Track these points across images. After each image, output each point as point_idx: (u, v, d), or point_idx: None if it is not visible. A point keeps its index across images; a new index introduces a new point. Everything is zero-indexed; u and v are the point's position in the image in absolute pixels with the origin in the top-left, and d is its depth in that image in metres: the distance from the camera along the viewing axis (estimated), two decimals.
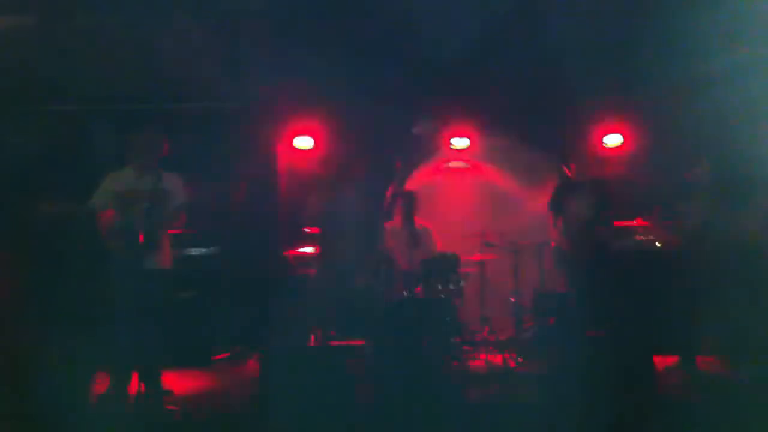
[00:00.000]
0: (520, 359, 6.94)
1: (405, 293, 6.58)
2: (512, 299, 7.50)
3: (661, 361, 6.35)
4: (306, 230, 7.36)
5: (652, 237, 7.09)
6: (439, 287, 6.67)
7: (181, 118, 7.62)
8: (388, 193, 8.05)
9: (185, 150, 6.37)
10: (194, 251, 7.18)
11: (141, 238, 5.32)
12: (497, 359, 7.05)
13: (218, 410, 5.41)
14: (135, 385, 5.33)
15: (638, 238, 7.27)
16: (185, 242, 7.10)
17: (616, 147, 8.34)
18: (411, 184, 8.17)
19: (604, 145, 8.33)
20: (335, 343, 6.89)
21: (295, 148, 8.19)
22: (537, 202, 8.00)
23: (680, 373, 6.45)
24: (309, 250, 7.18)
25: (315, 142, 8.16)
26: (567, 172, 8.32)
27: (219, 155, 7.48)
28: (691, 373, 6.46)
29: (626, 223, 7.26)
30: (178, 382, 6.05)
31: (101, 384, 5.59)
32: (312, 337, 6.88)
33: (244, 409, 5.35)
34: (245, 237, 7.43)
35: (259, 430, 4.83)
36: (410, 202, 7.22)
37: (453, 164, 8.66)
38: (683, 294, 6.49)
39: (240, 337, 7.34)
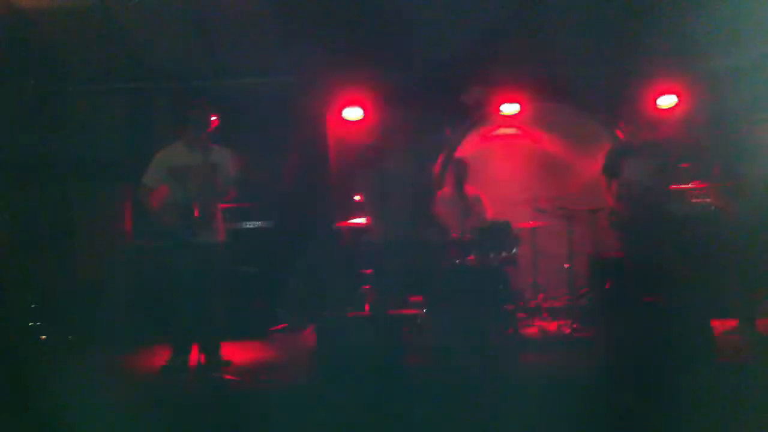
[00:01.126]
0: (575, 326, 6.92)
1: (458, 262, 6.57)
2: (566, 265, 7.44)
3: (719, 325, 6.27)
4: (357, 201, 7.39)
5: (708, 200, 6.95)
6: (492, 255, 6.66)
7: (232, 93, 7.71)
8: (439, 162, 8.06)
9: (236, 124, 6.48)
10: (249, 224, 7.29)
11: (196, 213, 5.44)
12: (552, 326, 7.04)
13: (276, 380, 5.51)
14: (195, 356, 5.50)
15: (695, 200, 7.14)
16: (240, 216, 7.22)
17: (670, 108, 8.14)
18: (462, 152, 8.12)
19: (657, 106, 8.14)
20: (391, 312, 6.94)
21: (345, 120, 8.19)
22: (589, 167, 7.90)
23: (739, 337, 6.36)
24: (361, 220, 7.22)
25: (364, 113, 8.15)
26: (620, 135, 8.20)
27: (270, 129, 7.56)
28: (751, 336, 6.37)
29: (682, 186, 7.11)
30: (237, 353, 6.18)
31: (163, 356, 5.81)
32: (366, 307, 6.95)
33: (301, 379, 5.43)
34: (298, 209, 7.51)
35: (315, 399, 4.90)
36: (461, 170, 7.20)
37: (503, 131, 8.57)
38: (741, 257, 6.39)
39: (296, 308, 7.46)
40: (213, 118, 5.66)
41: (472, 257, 6.65)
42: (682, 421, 4.60)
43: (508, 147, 8.57)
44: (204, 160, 5.47)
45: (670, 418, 4.63)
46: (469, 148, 8.39)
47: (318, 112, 8.10)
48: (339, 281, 6.42)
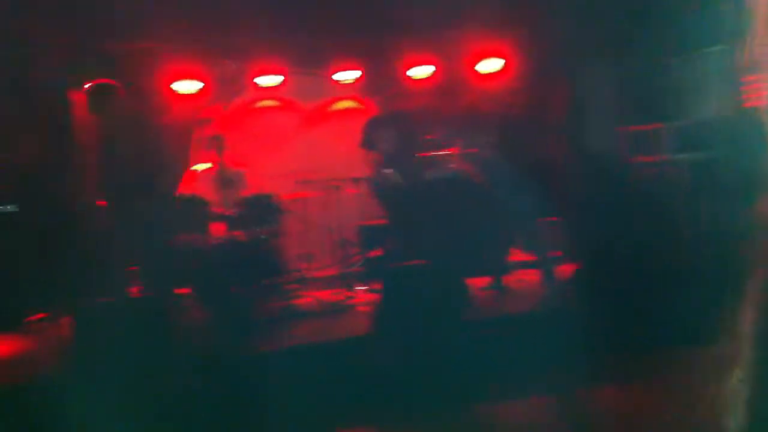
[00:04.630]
0: (347, 293, 7.05)
1: (221, 237, 6.42)
2: (335, 235, 7.55)
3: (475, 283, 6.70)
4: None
5: (459, 165, 7.34)
6: (258, 228, 6.58)
7: None
8: (193, 138, 7.79)
9: None
10: None
11: None
12: (324, 295, 7.12)
13: (31, 373, 5.10)
14: None
15: (448, 167, 7.51)
16: None
17: (422, 78, 8.45)
18: (220, 128, 7.90)
19: (409, 77, 8.41)
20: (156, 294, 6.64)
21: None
22: (351, 137, 8.04)
23: (492, 292, 6.84)
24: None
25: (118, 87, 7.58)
26: (375, 105, 8.44)
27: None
28: (500, 290, 6.86)
29: (435, 153, 7.43)
30: None
31: None
32: (133, 290, 6.59)
33: (57, 370, 5.04)
34: (44, 190, 6.90)
35: (70, 391, 4.57)
36: (219, 145, 6.99)
37: (263, 103, 8.47)
38: (494, 218, 6.84)
39: (55, 296, 6.90)
40: None
41: (238, 232, 6.52)
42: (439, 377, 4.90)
43: (270, 120, 8.48)
44: None
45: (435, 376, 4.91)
46: (227, 122, 8.18)
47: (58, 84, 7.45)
48: (99, 265, 5.99)
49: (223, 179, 6.72)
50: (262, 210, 6.65)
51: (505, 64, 8.13)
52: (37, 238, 6.61)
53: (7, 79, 6.58)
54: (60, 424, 4.42)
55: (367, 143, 7.25)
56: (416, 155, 7.24)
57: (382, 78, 8.27)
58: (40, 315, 6.80)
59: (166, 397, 4.66)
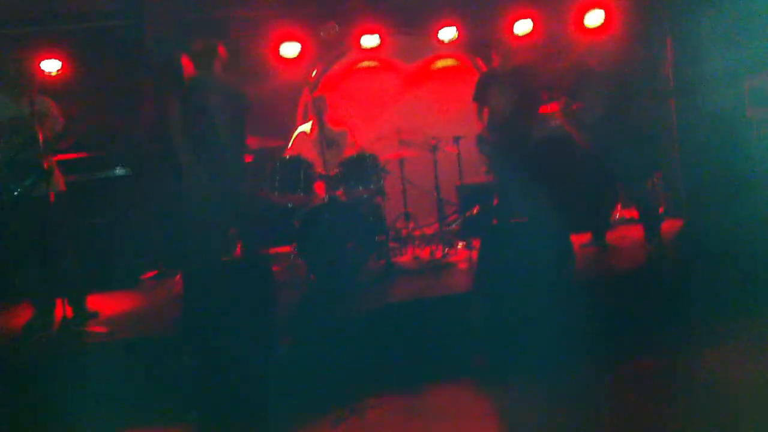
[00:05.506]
0: (446, 251, 7.11)
1: (325, 197, 6.57)
2: (434, 193, 7.60)
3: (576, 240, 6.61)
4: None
5: (566, 123, 7.21)
6: (360, 188, 6.69)
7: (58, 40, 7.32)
8: (301, 99, 7.95)
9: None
10: (101, 174, 7.02)
11: (32, 164, 5.22)
12: (424, 253, 7.21)
13: (145, 330, 5.41)
14: (60, 311, 5.32)
15: (555, 124, 7.39)
16: (90, 166, 6.94)
17: (531, 34, 8.31)
18: (323, 89, 8.05)
19: (518, 33, 8.27)
20: (261, 252, 6.90)
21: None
22: (452, 96, 8.02)
23: (593, 248, 6.74)
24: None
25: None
26: (483, 63, 8.35)
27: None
28: (602, 246, 6.76)
29: (546, 110, 7.32)
30: (106, 304, 6.02)
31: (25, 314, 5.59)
32: (237, 249, 6.88)
33: (168, 327, 5.31)
34: (153, 156, 7.26)
35: (183, 347, 4.84)
36: (322, 106, 7.11)
37: (365, 64, 8.55)
38: (593, 174, 6.72)
39: (166, 254, 7.30)
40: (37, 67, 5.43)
41: (339, 191, 6.65)
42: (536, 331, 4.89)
43: (371, 80, 8.56)
44: (31, 111, 5.21)
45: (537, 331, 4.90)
46: (331, 83, 8.33)
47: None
48: (206, 226, 6.27)
49: (326, 140, 6.83)
50: (363, 170, 6.75)
51: (608, 16, 7.90)
52: (150, 202, 7.01)
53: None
54: (170, 376, 4.70)
55: (479, 99, 7.20)
56: (527, 111, 7.14)
57: (485, 35, 8.15)
58: (153, 272, 7.26)
59: (270, 355, 4.85)
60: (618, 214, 7.88)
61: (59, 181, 5.55)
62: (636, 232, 6.96)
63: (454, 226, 7.82)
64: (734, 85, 7.07)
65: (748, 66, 7.05)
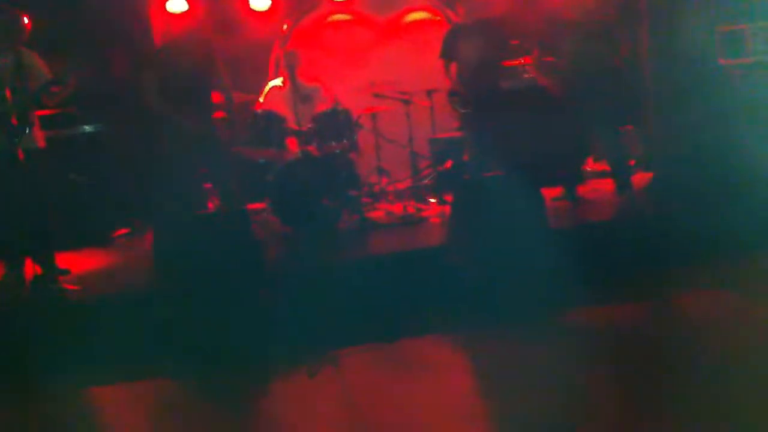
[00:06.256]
0: (420, 206, 7.13)
1: (298, 152, 6.54)
2: (408, 148, 7.58)
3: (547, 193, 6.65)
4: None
5: (536, 75, 7.19)
6: (333, 143, 6.66)
7: None
8: (273, 54, 7.85)
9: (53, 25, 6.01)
10: (75, 130, 6.91)
11: (13, 120, 5.10)
12: (397, 208, 7.22)
13: (118, 286, 5.40)
14: (30, 268, 5.29)
15: (525, 76, 7.37)
16: (65, 122, 6.83)
17: None
18: (294, 43, 7.93)
19: None
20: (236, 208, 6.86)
21: (169, 13, 7.74)
22: (423, 49, 7.94)
23: (565, 203, 6.80)
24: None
25: (189, 5, 7.72)
26: (454, 15, 8.27)
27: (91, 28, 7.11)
28: (573, 200, 6.81)
29: (514, 63, 7.29)
30: (77, 262, 6.00)
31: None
32: (210, 204, 6.84)
33: (141, 284, 5.30)
34: (127, 111, 7.15)
35: (158, 303, 4.83)
36: (293, 60, 7.03)
37: (336, 17, 8.42)
38: (566, 128, 6.73)
39: (139, 211, 7.25)
40: (24, 22, 5.29)
41: (312, 147, 6.62)
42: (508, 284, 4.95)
43: (342, 34, 8.45)
44: (16, 66, 5.10)
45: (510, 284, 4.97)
46: (301, 38, 8.20)
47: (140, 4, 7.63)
48: (178, 180, 6.21)
49: (298, 95, 6.77)
50: (336, 125, 6.71)
51: None
52: (120, 159, 6.93)
53: None
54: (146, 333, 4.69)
55: (447, 53, 7.16)
56: (495, 64, 7.10)
57: None
58: (125, 230, 7.21)
59: (245, 307, 4.84)
60: (589, 168, 7.93)
61: (39, 137, 5.47)
62: (607, 185, 7.03)
63: (427, 180, 7.82)
64: (708, 34, 7.07)
65: (720, 15, 7.05)
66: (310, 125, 6.60)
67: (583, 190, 7.06)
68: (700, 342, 4.15)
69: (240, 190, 6.52)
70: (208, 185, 6.70)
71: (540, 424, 3.38)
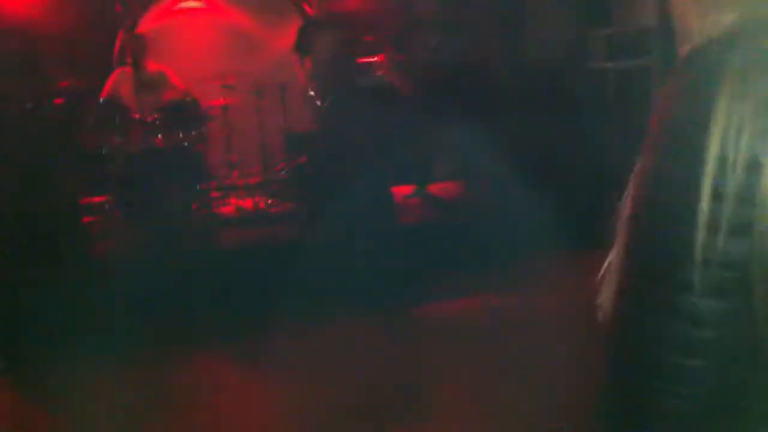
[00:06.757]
0: (270, 201, 7.02)
1: (142, 143, 6.25)
2: (259, 142, 7.45)
3: (399, 191, 6.74)
4: None
5: (390, 73, 7.25)
6: (180, 135, 6.42)
7: None
8: (119, 38, 7.46)
9: None
10: None
11: None
12: (248, 203, 7.07)
13: None
14: None
15: (378, 73, 7.41)
16: None
17: None
18: (141, 28, 7.56)
19: None
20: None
21: None
22: (277, 42, 7.82)
23: (417, 200, 6.91)
24: None
25: None
26: (308, 9, 8.19)
27: None
28: (425, 198, 6.93)
29: (368, 59, 7.31)
30: None
31: None
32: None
33: None
34: None
35: None
36: (140, 45, 6.69)
37: (187, 4, 8.11)
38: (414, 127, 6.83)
39: None
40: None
41: (159, 138, 6.35)
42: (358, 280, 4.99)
43: (194, 22, 8.15)
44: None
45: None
46: (150, 23, 7.83)
47: None
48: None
49: (145, 82, 6.47)
50: (184, 115, 6.47)
51: None
52: None
53: None
54: None
55: (300, 48, 7.07)
56: (348, 61, 7.09)
57: None
58: None
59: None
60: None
61: None
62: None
63: (279, 175, 7.71)
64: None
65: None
66: (156, 114, 6.33)
67: (435, 187, 7.18)
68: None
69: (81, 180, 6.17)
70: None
71: None
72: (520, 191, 6.25)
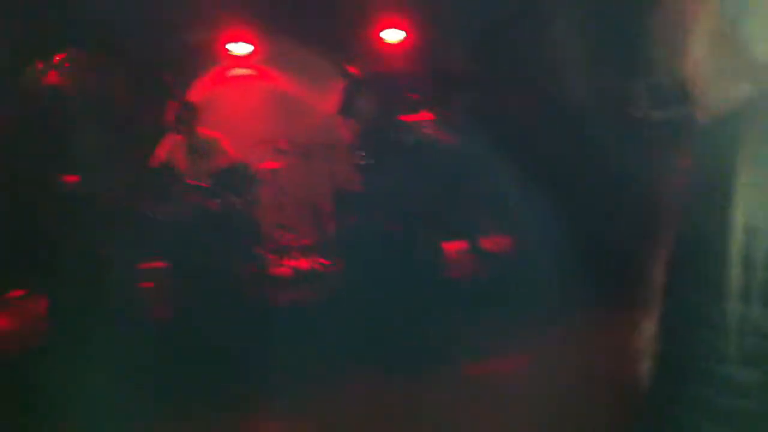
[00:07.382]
0: (324, 261, 7.08)
1: (197, 208, 6.39)
2: (311, 203, 7.54)
3: (452, 246, 6.73)
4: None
5: (435, 129, 7.31)
6: (233, 198, 6.56)
7: None
8: (169, 108, 7.70)
9: None
10: None
11: None
12: (303, 264, 7.14)
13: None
14: None
15: (424, 131, 7.47)
16: None
17: (397, 42, 8.36)
18: (191, 96, 7.81)
19: (384, 40, 8.31)
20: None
21: None
22: (323, 104, 7.98)
23: (469, 255, 6.87)
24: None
25: None
26: (352, 71, 8.34)
27: None
28: (478, 254, 6.89)
29: (412, 118, 7.39)
30: None
31: None
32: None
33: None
34: None
35: None
36: (191, 113, 6.90)
37: (235, 71, 8.37)
38: (467, 180, 6.84)
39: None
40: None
41: (212, 202, 6.50)
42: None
43: (243, 88, 8.39)
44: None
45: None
46: (199, 91, 8.09)
47: None
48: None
49: (197, 149, 6.66)
50: (237, 179, 6.62)
51: None
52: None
53: None
54: None
55: (345, 109, 7.19)
56: (393, 120, 7.19)
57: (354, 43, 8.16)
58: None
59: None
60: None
61: None
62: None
63: (331, 235, 7.78)
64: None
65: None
66: (209, 180, 6.49)
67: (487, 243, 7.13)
68: None
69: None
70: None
71: None
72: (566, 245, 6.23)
